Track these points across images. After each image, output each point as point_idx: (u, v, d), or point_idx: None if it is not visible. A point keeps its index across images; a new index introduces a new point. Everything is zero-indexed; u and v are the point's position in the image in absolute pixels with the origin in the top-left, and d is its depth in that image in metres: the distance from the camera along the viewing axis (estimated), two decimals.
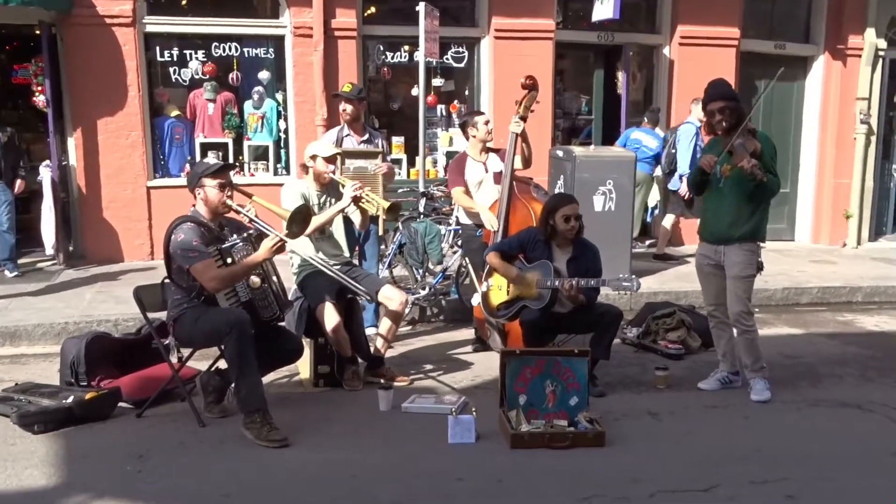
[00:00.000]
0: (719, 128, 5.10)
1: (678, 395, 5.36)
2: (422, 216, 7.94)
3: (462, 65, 10.11)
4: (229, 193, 4.60)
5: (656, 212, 10.41)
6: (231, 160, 9.46)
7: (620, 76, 10.65)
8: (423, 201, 8.21)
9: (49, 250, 8.75)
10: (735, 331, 5.34)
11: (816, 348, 6.59)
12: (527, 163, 6.12)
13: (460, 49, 10.03)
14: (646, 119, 10.14)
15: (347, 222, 5.59)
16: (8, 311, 7.09)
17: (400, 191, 8.84)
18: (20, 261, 8.46)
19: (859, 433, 4.74)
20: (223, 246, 4.54)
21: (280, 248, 4.49)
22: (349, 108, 6.45)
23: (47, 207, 8.56)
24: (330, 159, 5.41)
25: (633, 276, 5.11)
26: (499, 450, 4.36)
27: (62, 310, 7.14)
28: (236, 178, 9.21)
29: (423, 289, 7.42)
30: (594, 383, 5.17)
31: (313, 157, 5.43)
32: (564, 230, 5.30)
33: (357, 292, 5.13)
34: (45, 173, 8.59)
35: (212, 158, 4.67)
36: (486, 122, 6.27)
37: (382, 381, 5.40)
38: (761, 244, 5.26)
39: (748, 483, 4.00)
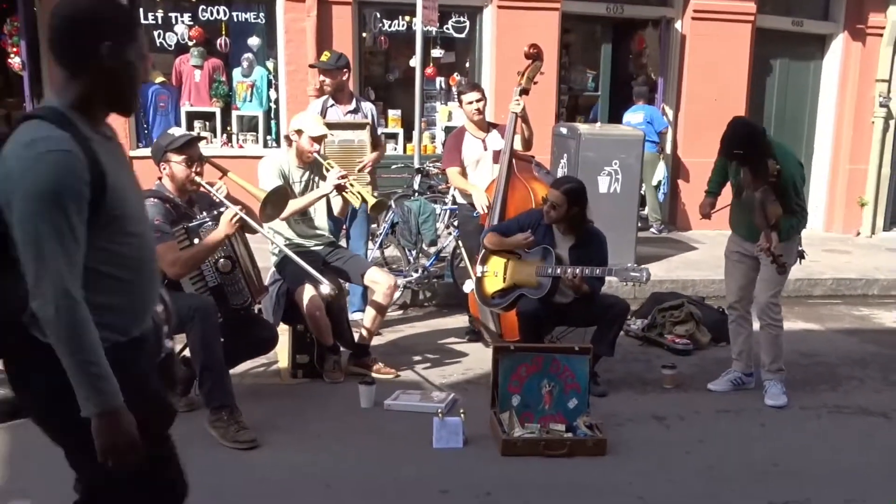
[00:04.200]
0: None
1: (687, 396, 4.94)
2: (416, 194, 7.50)
3: (463, 35, 9.61)
4: (198, 169, 4.14)
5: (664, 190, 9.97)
6: (219, 130, 9.04)
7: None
8: (417, 178, 7.76)
9: None
10: (758, 324, 4.87)
11: (834, 346, 6.17)
12: (527, 144, 5.66)
13: (461, 18, 9.53)
14: (634, 96, 9.93)
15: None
16: None
17: (394, 167, 8.41)
18: None
19: (886, 446, 4.32)
20: (190, 225, 4.10)
21: (239, 222, 4.04)
22: (327, 79, 5.99)
23: None
24: (317, 139, 4.93)
25: (643, 267, 4.67)
26: (488, 457, 3.95)
27: None
28: (223, 150, 8.82)
29: (416, 271, 6.99)
30: (595, 381, 4.75)
31: (298, 132, 4.96)
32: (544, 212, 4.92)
33: (319, 282, 4.49)
34: None
35: (177, 130, 4.18)
36: (472, 101, 5.72)
37: (367, 372, 5.01)
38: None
39: None
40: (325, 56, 6.06)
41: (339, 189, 4.89)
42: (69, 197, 1.89)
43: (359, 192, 4.95)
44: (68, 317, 1.89)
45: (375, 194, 5.33)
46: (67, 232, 1.89)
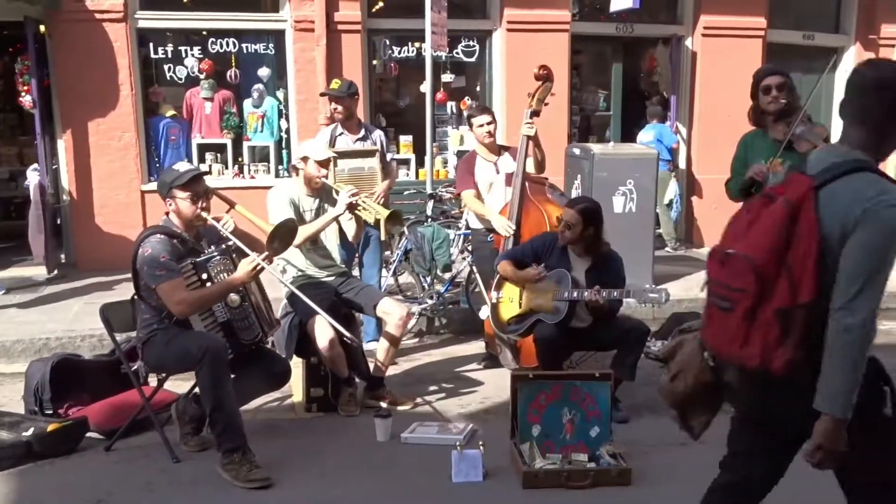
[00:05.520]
0: (775, 106, 4.48)
1: (713, 420, 4.78)
2: (429, 220, 7.43)
3: (473, 59, 9.58)
4: (204, 205, 4.07)
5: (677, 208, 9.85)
6: (230, 162, 9.03)
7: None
8: (430, 204, 7.69)
9: (36, 258, 8.28)
10: None
11: None
12: (540, 167, 5.59)
13: (471, 43, 9.51)
14: (647, 116, 9.91)
15: (343, 233, 5.08)
16: None
17: (406, 192, 8.35)
18: (9, 271, 7.93)
19: None
20: (198, 260, 4.03)
21: (261, 271, 3.98)
22: (339, 107, 5.95)
23: (34, 214, 8.10)
24: (323, 163, 4.87)
25: (662, 288, 4.55)
26: (509, 490, 3.83)
27: (45, 324, 6.69)
28: (235, 181, 8.80)
29: (431, 298, 6.90)
30: (617, 407, 4.62)
31: (304, 159, 4.90)
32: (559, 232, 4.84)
33: (341, 334, 4.42)
34: (33, 177, 8.14)
35: (182, 165, 4.12)
36: (483, 125, 5.67)
37: (382, 404, 4.91)
38: None
39: None
40: (336, 84, 6.03)
41: (352, 208, 4.81)
42: None
43: (371, 207, 4.87)
44: (865, 334, 2.23)
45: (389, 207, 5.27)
46: (889, 267, 2.27)
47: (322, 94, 5.99)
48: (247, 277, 3.97)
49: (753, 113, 4.66)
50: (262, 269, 3.98)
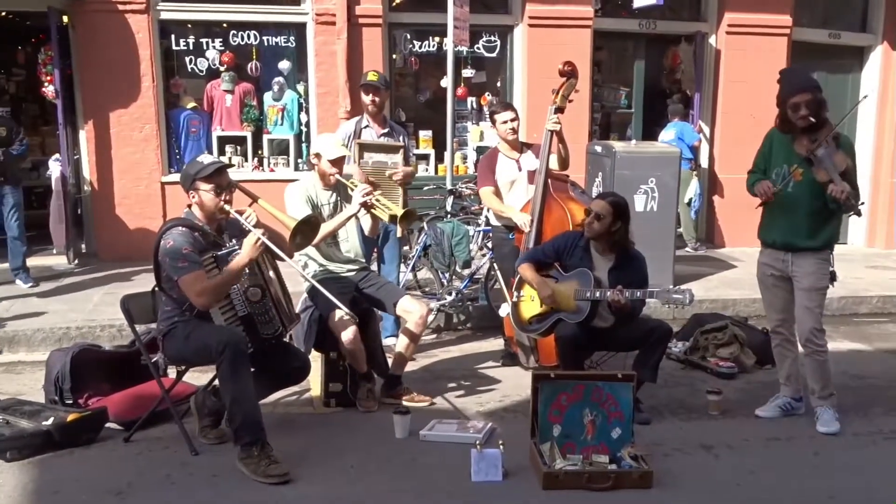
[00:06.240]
0: (802, 123, 4.39)
1: (734, 423, 4.74)
2: (449, 215, 7.39)
3: (494, 54, 9.54)
4: (227, 197, 4.05)
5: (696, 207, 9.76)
6: (250, 154, 9.02)
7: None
8: (450, 199, 7.66)
9: (56, 248, 8.31)
10: (802, 351, 4.68)
11: (884, 367, 5.93)
12: (563, 163, 5.53)
13: (492, 38, 9.46)
14: (669, 114, 9.86)
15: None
16: (9, 314, 6.66)
17: (426, 188, 8.31)
18: (31, 260, 7.94)
19: None
20: (219, 253, 4.01)
21: (262, 246, 3.93)
22: (377, 98, 5.91)
23: (56, 203, 8.13)
24: (335, 161, 4.84)
25: (686, 289, 4.48)
26: (529, 491, 3.78)
27: (66, 313, 6.71)
28: (255, 174, 8.80)
29: (450, 294, 6.86)
30: (639, 409, 4.55)
31: (318, 156, 4.88)
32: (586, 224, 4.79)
33: (344, 312, 4.40)
34: (55, 167, 8.17)
35: (206, 157, 4.09)
36: (507, 121, 5.62)
37: (401, 401, 4.88)
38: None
39: None
40: (374, 76, 5.99)
41: (366, 207, 4.79)
42: None
43: (385, 206, 4.84)
44: None
45: (402, 205, 5.22)
46: None
47: (363, 85, 5.91)
48: (255, 252, 3.92)
49: (781, 122, 4.56)
50: (265, 245, 3.92)
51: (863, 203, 4.29)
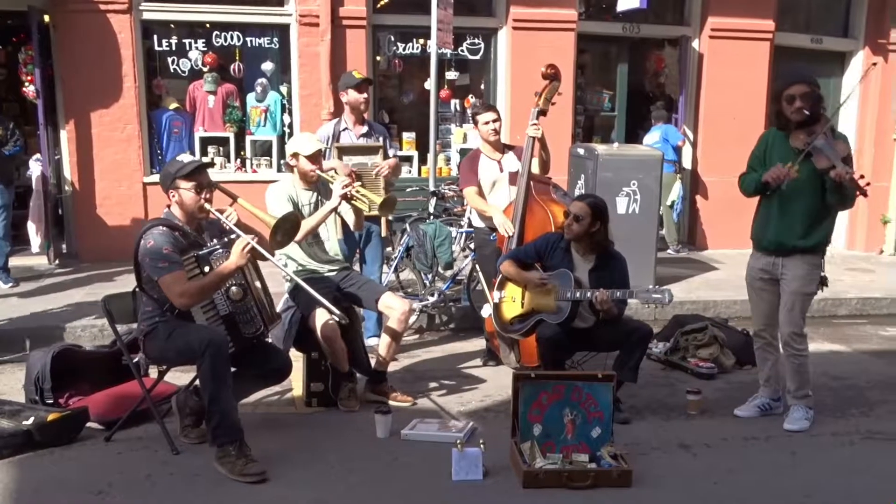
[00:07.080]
0: (798, 117, 4.38)
1: (713, 422, 4.78)
2: (432, 217, 7.41)
3: (478, 57, 9.57)
4: (207, 196, 4.04)
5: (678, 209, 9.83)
6: (233, 155, 9.01)
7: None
8: (433, 201, 7.67)
9: (35, 248, 8.26)
10: (783, 353, 4.73)
11: (862, 368, 5.99)
12: (545, 167, 5.57)
13: (476, 40, 9.49)
14: (652, 119, 9.94)
15: (346, 223, 5.06)
16: None
17: (409, 189, 8.33)
18: (11, 260, 7.87)
19: None
20: (200, 253, 4.01)
21: (251, 252, 3.94)
22: (361, 97, 5.87)
23: (35, 204, 8.08)
24: (312, 157, 4.85)
25: (665, 289, 4.52)
26: (509, 489, 3.80)
27: (46, 313, 6.67)
28: (237, 175, 8.78)
29: (432, 295, 6.88)
30: (618, 408, 4.58)
31: (295, 156, 4.87)
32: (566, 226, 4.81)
33: (331, 312, 4.32)
34: (35, 168, 8.11)
35: (186, 156, 4.08)
36: (489, 122, 5.64)
37: (384, 400, 4.89)
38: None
39: None
40: (359, 74, 5.98)
41: (347, 199, 4.79)
42: None
43: (365, 196, 4.84)
44: None
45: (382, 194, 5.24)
46: None
47: (358, 84, 5.84)
48: (242, 260, 3.91)
49: (777, 117, 4.57)
50: (253, 250, 3.92)
51: (869, 183, 4.18)
